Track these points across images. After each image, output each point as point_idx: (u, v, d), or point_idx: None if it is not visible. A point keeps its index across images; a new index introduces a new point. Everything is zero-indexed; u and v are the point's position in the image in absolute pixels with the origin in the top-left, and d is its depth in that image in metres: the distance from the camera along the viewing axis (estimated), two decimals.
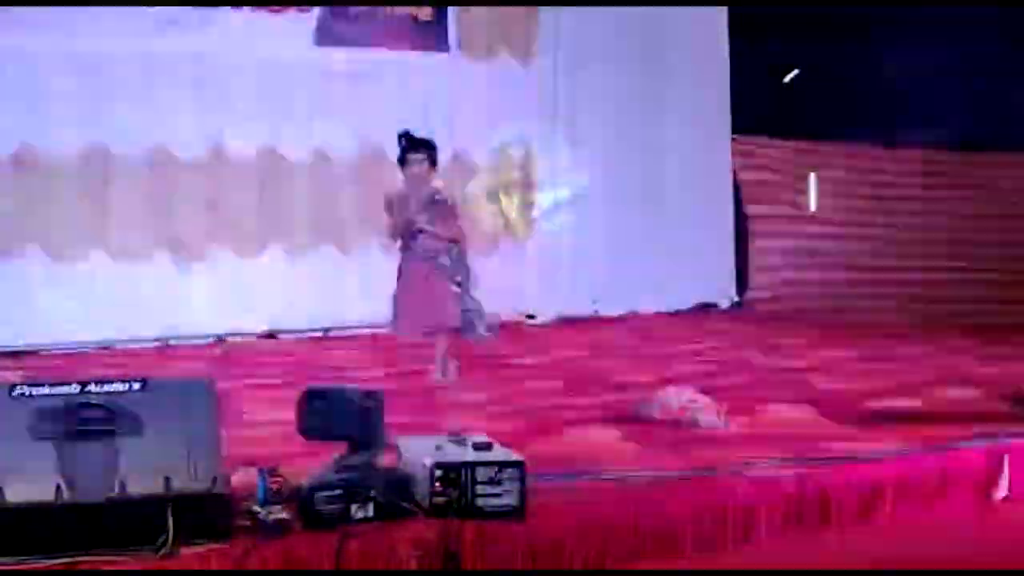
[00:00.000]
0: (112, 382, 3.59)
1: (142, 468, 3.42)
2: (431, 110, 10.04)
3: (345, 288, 9.53)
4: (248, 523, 3.60)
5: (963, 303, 10.68)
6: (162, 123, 9.12)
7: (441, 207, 6.65)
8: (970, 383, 6.67)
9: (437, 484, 3.74)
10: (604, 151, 10.83)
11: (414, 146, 6.66)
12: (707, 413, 5.45)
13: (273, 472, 3.83)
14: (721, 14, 11.28)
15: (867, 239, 11.31)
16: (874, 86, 10.48)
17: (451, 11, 10.19)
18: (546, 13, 10.63)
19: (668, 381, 6.28)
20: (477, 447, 3.94)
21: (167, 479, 3.41)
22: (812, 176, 11.54)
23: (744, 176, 11.50)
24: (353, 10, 9.79)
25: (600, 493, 4.15)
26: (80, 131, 8.89)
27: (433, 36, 10.13)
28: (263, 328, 9.43)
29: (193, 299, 9.30)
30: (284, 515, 3.62)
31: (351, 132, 9.66)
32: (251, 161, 9.48)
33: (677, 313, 10.92)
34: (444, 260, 6.61)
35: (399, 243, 6.72)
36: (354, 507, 3.67)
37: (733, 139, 11.43)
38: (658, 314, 10.78)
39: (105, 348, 8.73)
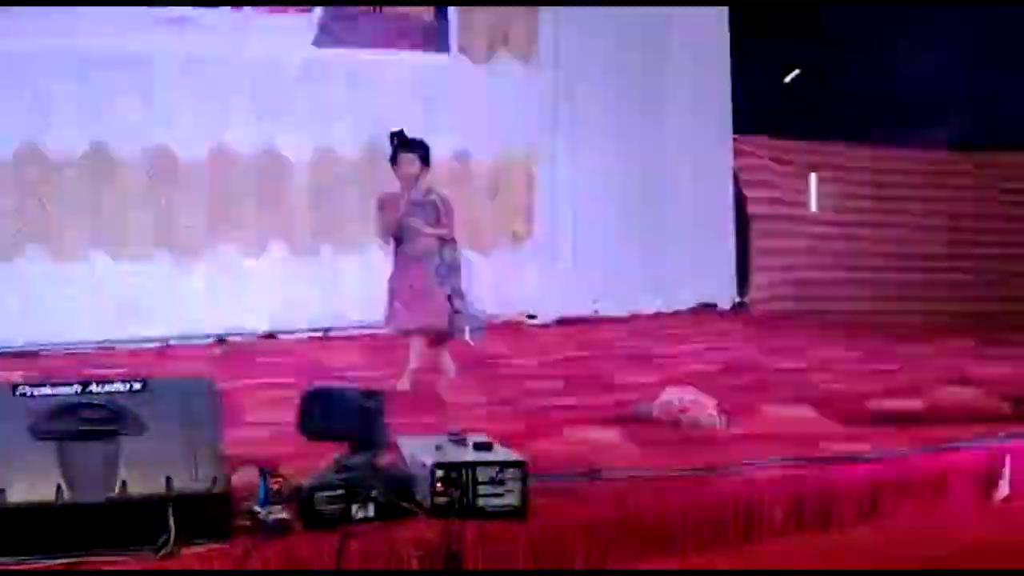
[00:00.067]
0: (113, 382, 3.60)
1: (143, 468, 3.42)
2: (432, 111, 10.05)
3: (345, 288, 9.54)
4: (249, 523, 3.60)
5: (963, 303, 10.68)
6: (163, 123, 9.12)
7: (433, 207, 6.62)
8: (970, 383, 6.67)
9: (438, 484, 3.74)
10: (604, 151, 10.83)
11: (406, 146, 6.65)
12: (707, 413, 5.45)
13: (274, 472, 3.84)
14: (722, 14, 11.28)
15: (868, 239, 11.30)
16: (875, 86, 10.48)
17: (452, 12, 10.19)
18: (546, 13, 10.62)
19: (668, 381, 6.27)
20: (478, 447, 3.94)
21: (168, 479, 3.41)
22: (813, 176, 11.54)
23: (745, 176, 11.49)
24: (354, 10, 9.80)
25: (601, 493, 4.15)
26: (81, 131, 8.90)
27: (434, 37, 10.13)
28: (263, 328, 9.44)
29: (193, 299, 9.30)
30: (285, 515, 3.62)
31: (351, 132, 9.66)
32: (251, 161, 9.49)
33: (677, 313, 10.92)
34: (436, 261, 6.58)
35: (391, 243, 6.69)
36: (355, 507, 3.67)
37: (734, 139, 11.43)
38: (658, 314, 10.78)
39: (106, 348, 8.73)
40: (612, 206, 10.87)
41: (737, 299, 11.54)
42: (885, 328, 9.70)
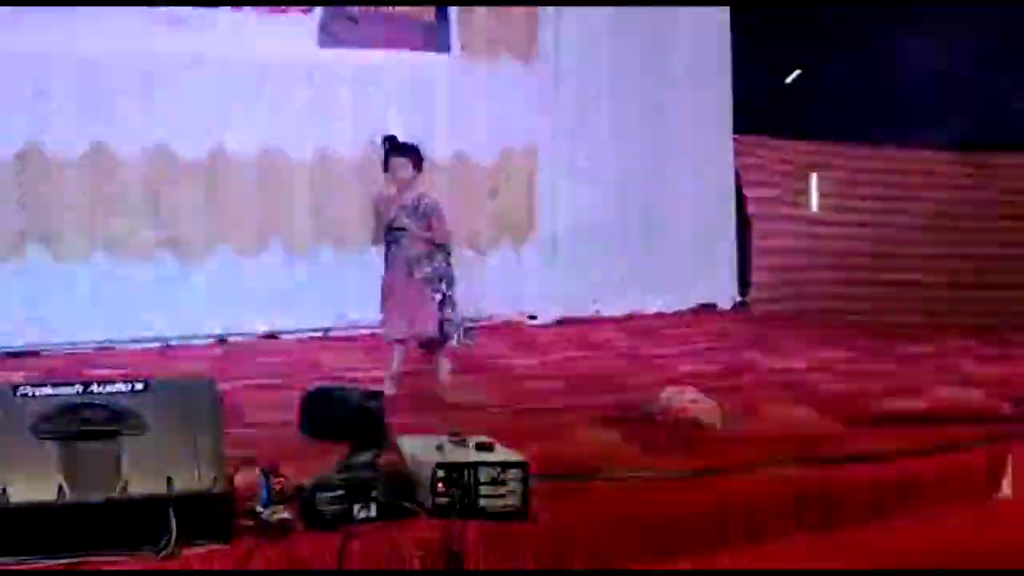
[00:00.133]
0: (114, 382, 3.61)
1: (144, 468, 3.42)
2: (432, 111, 10.05)
3: (346, 288, 9.52)
4: (250, 523, 3.60)
5: (963, 303, 10.67)
6: (163, 123, 9.10)
7: (426, 211, 6.56)
8: (971, 383, 6.67)
9: (440, 484, 3.75)
10: (605, 151, 10.82)
11: (397, 150, 6.62)
12: (708, 413, 5.45)
13: (275, 472, 3.84)
14: (723, 14, 11.27)
15: (868, 239, 11.29)
16: (876, 86, 10.47)
17: (453, 12, 10.18)
18: (547, 14, 10.62)
19: (669, 381, 6.28)
20: (479, 447, 3.94)
21: (169, 479, 3.42)
22: (814, 176, 11.53)
23: (746, 176, 11.49)
24: (355, 10, 9.79)
25: (602, 493, 4.16)
26: (82, 131, 8.88)
27: (435, 37, 10.12)
28: (264, 328, 9.43)
29: (194, 299, 9.29)
30: (286, 515, 3.63)
31: (352, 133, 9.64)
32: (252, 161, 9.47)
33: (678, 313, 10.92)
34: (426, 266, 6.54)
35: (384, 247, 6.64)
36: (356, 507, 3.68)
37: (735, 139, 11.42)
38: (659, 314, 10.77)
39: (106, 348, 8.73)
40: (612, 206, 10.85)
41: (737, 299, 11.53)
42: (885, 328, 9.70)
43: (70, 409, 3.46)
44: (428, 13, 10.08)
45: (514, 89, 10.48)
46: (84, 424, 3.43)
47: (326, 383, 5.84)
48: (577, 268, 10.73)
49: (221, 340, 9.14)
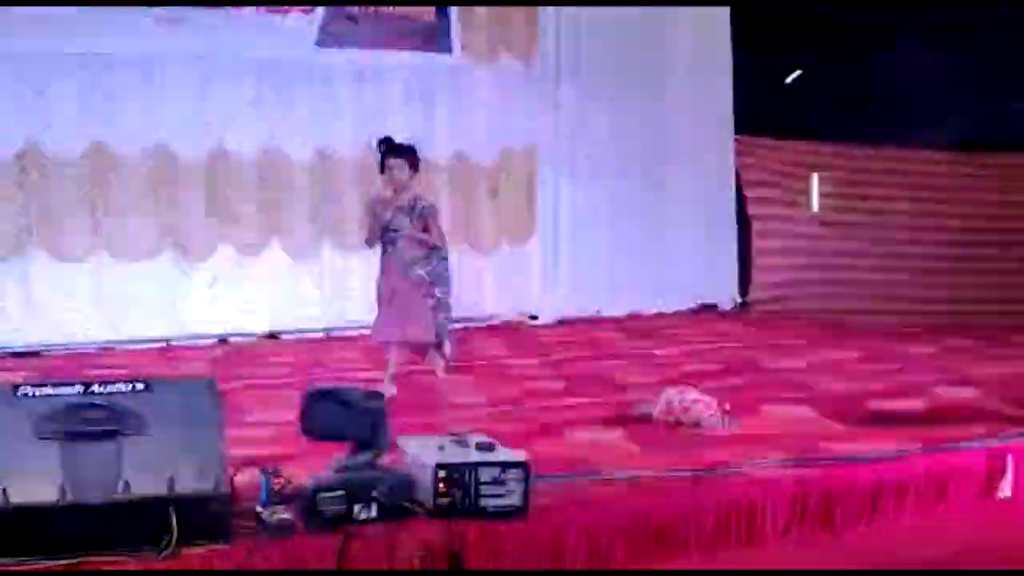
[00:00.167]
0: (115, 383, 3.60)
1: (145, 468, 3.42)
2: (433, 111, 10.06)
3: (347, 288, 9.53)
4: (251, 524, 3.60)
5: (963, 303, 10.68)
6: (164, 123, 9.11)
7: (422, 213, 6.54)
8: (971, 383, 6.68)
9: (440, 485, 3.75)
10: (605, 151, 10.82)
11: (394, 151, 6.60)
12: (709, 414, 5.46)
13: (276, 472, 3.84)
14: (723, 14, 11.28)
15: (868, 239, 11.30)
16: (876, 87, 10.48)
17: (453, 12, 10.18)
18: (547, 14, 10.62)
19: (669, 382, 6.28)
20: (480, 448, 3.95)
21: (170, 479, 3.42)
22: (814, 176, 11.54)
23: (747, 177, 11.50)
24: (355, 11, 9.79)
25: (602, 494, 4.16)
26: (83, 131, 8.89)
27: (436, 38, 10.12)
28: (264, 328, 9.43)
29: (195, 299, 9.30)
30: (287, 516, 3.63)
31: (353, 133, 9.65)
32: (253, 162, 9.48)
33: (679, 314, 10.92)
34: (422, 269, 6.53)
35: (380, 249, 6.61)
36: (357, 508, 3.68)
37: (736, 139, 11.43)
38: (660, 315, 10.77)
39: (108, 348, 8.73)
40: (613, 206, 10.86)
41: (738, 299, 11.53)
42: (886, 329, 9.70)
43: (71, 409, 3.46)
44: (428, 13, 10.09)
45: (514, 89, 10.49)
46: (85, 424, 3.43)
47: (326, 383, 5.86)
48: (577, 268, 10.74)
49: (222, 340, 9.14)
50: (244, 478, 3.83)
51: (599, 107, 10.77)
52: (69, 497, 3.34)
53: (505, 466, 3.82)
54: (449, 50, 10.20)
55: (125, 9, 8.80)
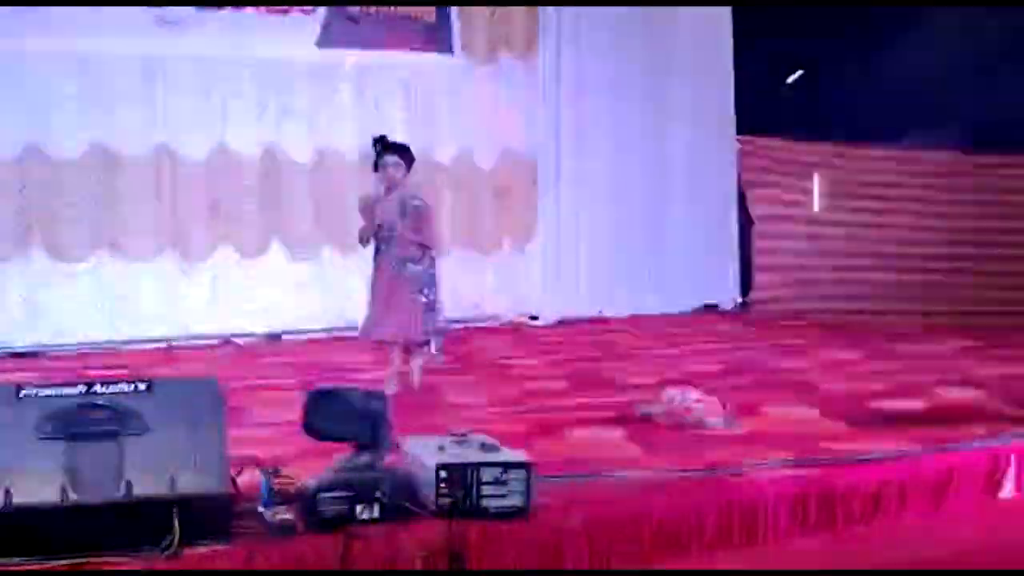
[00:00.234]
0: (118, 383, 3.61)
1: (147, 469, 3.43)
2: (434, 112, 10.06)
3: (348, 288, 9.52)
4: (253, 524, 3.61)
5: (963, 303, 10.67)
6: (165, 124, 9.11)
7: (415, 212, 6.50)
8: (972, 384, 6.67)
9: (442, 485, 3.75)
10: (607, 151, 10.82)
11: (389, 150, 6.57)
12: (711, 414, 5.46)
13: (278, 473, 3.84)
14: (725, 14, 11.28)
15: (868, 239, 11.30)
16: (876, 87, 10.47)
17: (454, 13, 10.18)
18: (548, 14, 10.62)
19: (672, 382, 6.28)
20: (482, 448, 3.95)
21: (172, 480, 3.42)
22: (816, 177, 11.54)
23: (748, 177, 11.49)
24: (356, 11, 9.79)
25: (604, 494, 4.16)
26: (84, 132, 8.89)
27: (436, 38, 10.12)
28: (266, 328, 9.43)
29: (197, 300, 9.30)
30: (289, 516, 3.63)
31: (354, 133, 9.65)
32: (254, 162, 9.48)
33: (681, 314, 10.92)
34: (415, 269, 6.52)
35: (374, 247, 6.59)
36: (359, 508, 3.68)
37: (737, 140, 11.43)
38: (662, 315, 10.77)
39: (109, 349, 8.73)
40: (615, 206, 10.86)
41: (739, 299, 11.53)
42: (888, 329, 9.70)
43: (73, 410, 3.46)
44: (429, 14, 10.09)
45: (515, 89, 10.49)
46: (87, 425, 3.44)
47: (328, 383, 5.86)
48: (578, 268, 10.74)
49: (224, 340, 9.14)
50: (246, 478, 3.83)
51: (600, 107, 10.76)
52: (71, 497, 3.35)
53: (507, 466, 3.82)
54: (450, 50, 10.20)
55: (126, 9, 8.81)
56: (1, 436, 3.39)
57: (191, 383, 3.84)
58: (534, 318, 10.46)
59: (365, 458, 3.83)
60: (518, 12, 10.51)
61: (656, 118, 11.04)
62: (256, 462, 4.00)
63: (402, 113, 9.77)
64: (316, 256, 9.73)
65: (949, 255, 11.10)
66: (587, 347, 8.90)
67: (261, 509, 3.66)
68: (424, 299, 6.50)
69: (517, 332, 9.94)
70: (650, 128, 11.01)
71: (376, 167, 6.57)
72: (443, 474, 3.76)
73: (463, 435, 4.10)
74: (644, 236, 10.96)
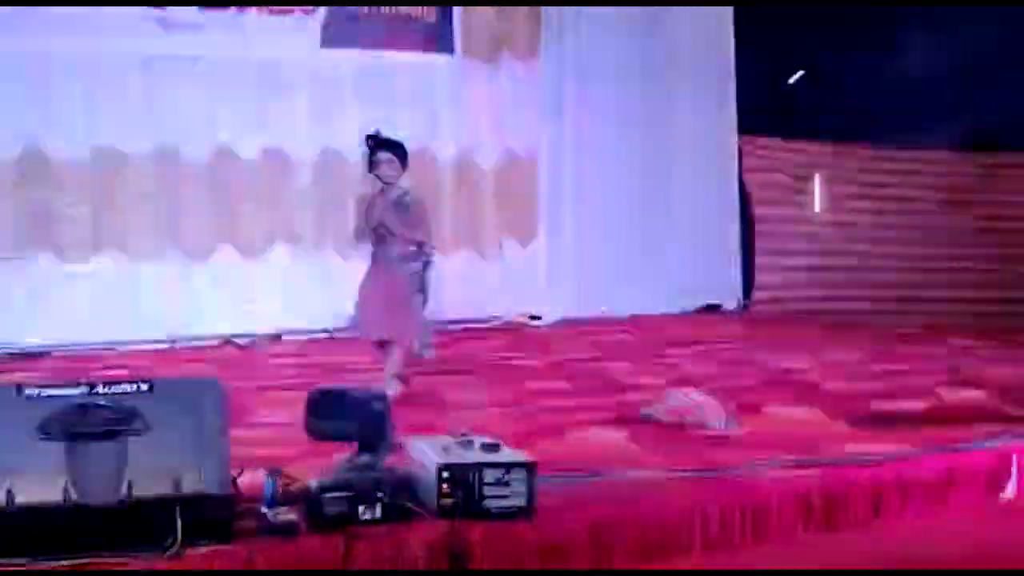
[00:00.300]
0: (120, 383, 3.60)
1: (150, 469, 3.43)
2: (435, 112, 10.06)
3: (350, 288, 9.51)
4: (255, 524, 3.60)
5: (963, 303, 10.68)
6: (167, 124, 9.12)
7: (409, 209, 6.46)
8: (974, 384, 6.67)
9: (444, 485, 3.75)
10: (608, 151, 10.82)
11: (382, 146, 6.53)
12: (713, 414, 5.46)
13: (280, 473, 3.84)
14: (726, 14, 11.28)
15: (869, 240, 11.31)
16: (878, 87, 10.49)
17: (456, 13, 10.18)
18: (550, 14, 10.62)
19: (674, 382, 6.28)
20: (484, 448, 3.94)
21: (175, 480, 3.42)
22: (817, 177, 11.55)
23: (750, 177, 11.50)
24: (357, 11, 9.79)
25: (606, 494, 4.16)
26: (85, 132, 8.90)
27: (438, 38, 10.12)
28: (269, 328, 9.43)
29: (198, 300, 9.30)
30: (291, 516, 3.63)
31: (356, 133, 9.62)
32: (255, 162, 9.49)
33: (682, 314, 10.92)
34: (410, 267, 6.48)
35: (370, 245, 6.57)
36: (361, 508, 3.68)
37: (739, 140, 11.43)
38: (664, 315, 10.77)
39: (112, 349, 8.73)
40: (616, 206, 10.86)
41: (742, 300, 11.53)
42: (890, 329, 9.70)
43: (75, 410, 3.46)
44: (430, 14, 10.09)
45: (517, 89, 10.50)
46: (89, 425, 3.44)
47: (331, 383, 5.85)
48: (580, 268, 10.73)
49: (225, 341, 9.15)
50: (248, 478, 3.83)
51: (602, 107, 10.77)
52: (73, 498, 3.35)
53: (509, 467, 3.82)
54: (451, 50, 10.20)
55: (126, 9, 8.81)
56: (3, 436, 3.39)
57: (193, 383, 3.84)
58: (535, 318, 10.46)
59: (366, 458, 3.82)
60: (520, 12, 10.51)
61: (658, 118, 11.04)
62: (258, 462, 3.99)
63: (403, 113, 9.76)
64: (317, 256, 9.73)
65: (949, 255, 11.12)
66: (589, 347, 8.90)
67: (263, 509, 3.66)
68: (419, 300, 6.48)
69: (518, 332, 9.94)
70: (652, 128, 11.01)
71: (370, 164, 6.52)
72: (445, 474, 3.75)
73: (465, 435, 4.10)
74: (646, 236, 10.96)
